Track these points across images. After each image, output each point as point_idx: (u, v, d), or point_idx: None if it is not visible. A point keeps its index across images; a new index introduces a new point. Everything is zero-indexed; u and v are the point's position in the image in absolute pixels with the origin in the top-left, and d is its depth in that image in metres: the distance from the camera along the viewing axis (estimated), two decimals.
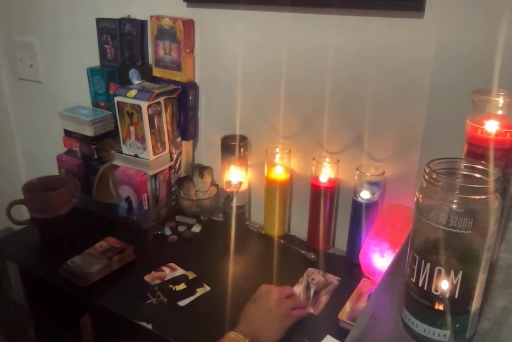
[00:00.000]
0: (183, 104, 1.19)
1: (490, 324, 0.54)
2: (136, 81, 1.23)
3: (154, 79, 1.22)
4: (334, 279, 1.00)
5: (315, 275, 1.01)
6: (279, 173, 1.11)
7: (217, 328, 0.86)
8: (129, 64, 1.25)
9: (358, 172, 0.99)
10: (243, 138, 1.15)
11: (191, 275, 1.01)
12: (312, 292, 0.96)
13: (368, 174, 0.99)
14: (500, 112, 0.62)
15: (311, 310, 0.91)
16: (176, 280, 1.00)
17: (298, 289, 0.97)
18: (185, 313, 0.92)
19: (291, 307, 0.87)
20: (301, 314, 0.88)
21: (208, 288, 0.97)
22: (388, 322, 0.57)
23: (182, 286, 0.98)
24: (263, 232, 1.17)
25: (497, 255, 0.65)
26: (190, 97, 1.19)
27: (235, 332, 0.78)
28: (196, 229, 1.19)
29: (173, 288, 0.97)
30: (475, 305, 0.51)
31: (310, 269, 1.03)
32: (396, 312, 0.56)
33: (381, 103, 0.97)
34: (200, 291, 0.96)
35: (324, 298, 0.95)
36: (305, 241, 1.13)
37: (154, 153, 1.14)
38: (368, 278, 0.98)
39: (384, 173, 0.99)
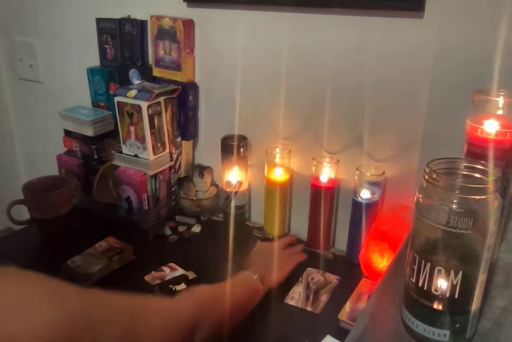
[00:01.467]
0: (183, 104, 1.19)
1: (490, 324, 0.54)
2: (136, 81, 1.23)
3: (154, 79, 1.22)
4: (333, 278, 1.00)
5: (315, 274, 1.01)
6: (279, 173, 1.11)
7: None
8: (129, 64, 1.25)
9: (358, 171, 0.99)
10: (243, 138, 1.15)
11: (191, 275, 1.01)
12: (312, 291, 0.96)
13: (368, 174, 0.99)
14: (500, 112, 0.62)
15: (310, 309, 0.92)
16: (176, 280, 0.99)
17: (298, 288, 0.97)
18: None
19: (289, 254, 0.98)
20: (300, 259, 0.98)
21: None
22: (388, 322, 0.57)
23: (182, 286, 0.98)
24: (270, 237, 1.16)
25: (497, 255, 0.65)
26: (190, 97, 1.19)
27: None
28: (196, 229, 1.19)
29: (173, 288, 0.97)
30: (475, 305, 0.51)
31: (309, 268, 1.03)
32: (396, 312, 0.56)
33: (381, 103, 0.97)
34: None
35: (324, 297, 0.95)
36: (305, 241, 1.13)
37: (154, 153, 1.14)
38: (368, 278, 0.98)
39: (384, 172, 0.99)
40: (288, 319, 0.90)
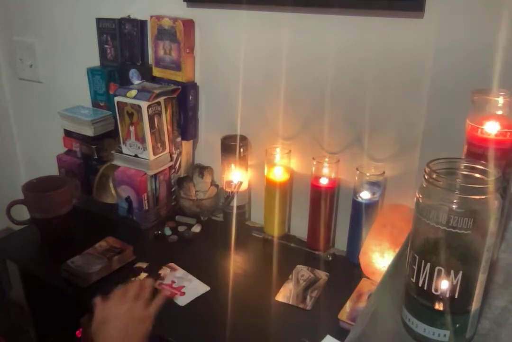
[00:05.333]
0: (183, 104, 1.19)
1: (490, 324, 0.54)
2: (136, 81, 1.23)
3: (154, 79, 1.22)
4: (323, 275, 1.01)
5: (304, 272, 1.02)
6: (279, 173, 1.11)
7: (217, 328, 0.86)
8: (129, 64, 1.25)
9: (358, 172, 0.99)
10: (243, 138, 1.15)
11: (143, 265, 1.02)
12: (302, 288, 0.97)
13: (368, 174, 0.99)
14: (500, 112, 0.62)
15: (301, 305, 0.92)
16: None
17: (289, 285, 0.98)
18: (185, 313, 0.92)
19: (144, 305, 0.78)
20: (161, 302, 0.79)
21: (208, 288, 0.97)
22: (388, 322, 0.57)
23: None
24: (269, 238, 1.15)
25: (497, 255, 0.65)
26: (190, 97, 1.19)
27: None
28: (196, 229, 1.19)
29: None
30: (475, 305, 0.51)
31: (298, 266, 1.04)
32: (396, 312, 0.56)
33: (381, 103, 0.97)
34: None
35: (314, 294, 0.95)
36: (305, 241, 1.13)
37: (154, 153, 1.14)
38: (368, 278, 0.98)
39: (384, 173, 0.99)
40: (282, 317, 0.90)
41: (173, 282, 0.98)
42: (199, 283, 0.99)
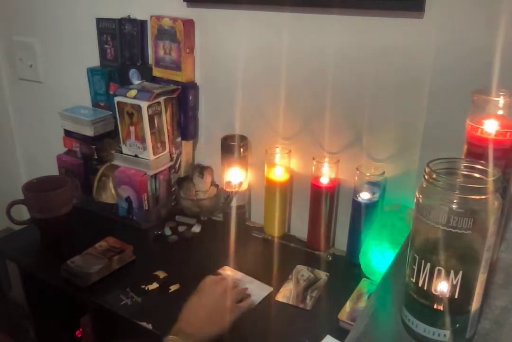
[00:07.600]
0: (183, 104, 1.19)
1: (490, 324, 0.54)
2: (136, 81, 1.23)
3: (154, 79, 1.22)
4: (323, 275, 1.01)
5: (304, 272, 1.02)
6: (279, 173, 1.11)
7: None
8: (129, 64, 1.25)
9: (358, 172, 0.99)
10: (243, 138, 1.15)
11: (162, 274, 1.01)
12: (302, 288, 0.97)
13: (368, 174, 0.99)
14: (500, 112, 0.62)
15: (301, 305, 0.92)
16: (148, 280, 0.99)
17: (289, 285, 0.98)
18: None
19: (236, 299, 0.86)
20: (247, 305, 0.87)
21: (271, 288, 0.97)
22: (388, 322, 0.57)
23: (154, 285, 0.98)
24: (269, 238, 1.15)
25: (497, 255, 0.65)
26: (190, 97, 1.19)
27: (173, 336, 0.76)
28: (196, 229, 1.19)
29: (146, 288, 0.97)
30: (475, 305, 0.51)
31: (298, 265, 1.04)
32: (396, 312, 0.56)
33: (381, 103, 0.97)
34: (173, 288, 0.97)
35: (314, 294, 0.95)
36: (305, 241, 1.13)
37: (154, 153, 1.14)
38: (368, 278, 0.98)
39: (384, 172, 0.99)
40: (282, 317, 0.90)
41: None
42: (260, 284, 0.98)
